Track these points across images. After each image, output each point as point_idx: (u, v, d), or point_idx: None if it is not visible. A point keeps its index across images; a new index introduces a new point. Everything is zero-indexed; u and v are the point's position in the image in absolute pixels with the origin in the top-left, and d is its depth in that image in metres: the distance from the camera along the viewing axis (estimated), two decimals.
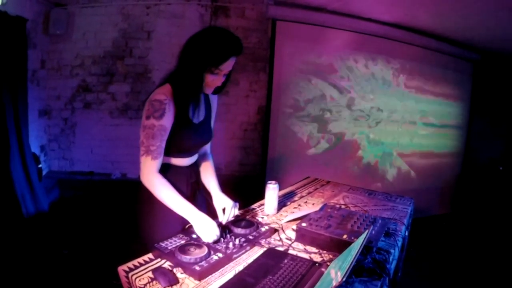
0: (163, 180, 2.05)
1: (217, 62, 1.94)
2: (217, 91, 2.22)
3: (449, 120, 6.66)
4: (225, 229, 2.06)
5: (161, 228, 2.17)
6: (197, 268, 1.68)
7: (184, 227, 2.08)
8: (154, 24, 5.84)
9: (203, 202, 2.45)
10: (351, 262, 1.37)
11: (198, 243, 1.87)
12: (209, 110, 2.34)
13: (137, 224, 2.26)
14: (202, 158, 2.47)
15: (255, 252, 1.94)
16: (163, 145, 2.04)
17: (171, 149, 2.13)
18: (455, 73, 6.53)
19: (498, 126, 7.05)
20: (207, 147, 2.52)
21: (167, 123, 2.01)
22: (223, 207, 2.19)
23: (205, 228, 1.94)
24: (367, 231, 1.63)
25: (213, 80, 2.02)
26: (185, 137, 2.13)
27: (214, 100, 2.40)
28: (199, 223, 1.96)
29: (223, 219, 2.13)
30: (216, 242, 1.94)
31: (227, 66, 1.99)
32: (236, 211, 2.19)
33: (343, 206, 2.66)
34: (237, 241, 1.94)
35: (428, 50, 6.08)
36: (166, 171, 2.13)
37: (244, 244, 1.96)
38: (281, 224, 2.36)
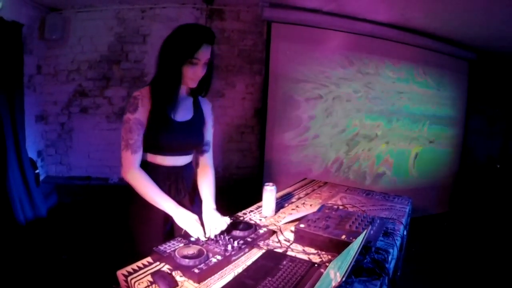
0: (143, 174, 2.10)
1: (191, 51, 2.01)
2: (203, 90, 2.30)
3: (445, 118, 6.67)
4: (223, 231, 2.07)
5: (144, 227, 2.22)
6: (196, 270, 1.68)
7: (182, 231, 2.09)
8: (150, 28, 5.85)
9: (197, 206, 2.43)
10: (350, 262, 1.38)
11: (197, 246, 1.88)
12: (199, 114, 2.35)
13: (128, 228, 2.29)
14: (202, 170, 2.47)
15: (254, 254, 1.95)
16: (141, 139, 2.10)
17: (150, 146, 2.16)
18: (451, 72, 6.55)
19: (494, 124, 7.08)
20: (207, 160, 2.51)
21: (141, 116, 2.08)
22: (209, 226, 2.06)
23: (186, 222, 1.99)
24: (365, 231, 1.64)
25: (194, 72, 2.08)
26: (162, 134, 2.15)
27: (206, 108, 2.43)
28: (179, 217, 2.02)
29: (207, 232, 2.02)
30: (207, 238, 1.98)
31: (203, 54, 2.04)
32: (225, 226, 2.06)
33: (341, 207, 2.67)
34: (235, 243, 1.94)
35: (424, 50, 6.10)
36: (145, 168, 2.16)
37: (243, 246, 1.96)
38: (279, 226, 2.36)
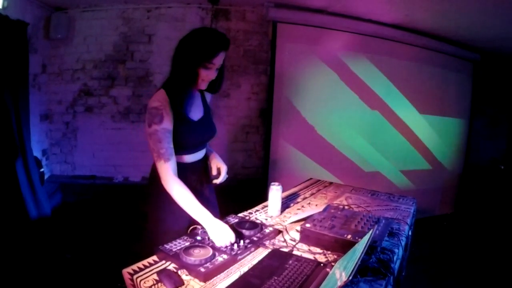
0: (180, 183, 2.10)
1: (209, 56, 2.10)
2: (215, 89, 2.38)
3: (449, 119, 6.65)
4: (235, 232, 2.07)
5: (170, 223, 2.26)
6: (202, 269, 1.69)
7: (188, 230, 2.09)
8: (155, 28, 5.84)
9: (213, 198, 2.60)
10: (356, 262, 1.37)
11: (203, 245, 1.88)
12: (208, 108, 2.47)
13: (143, 226, 2.32)
14: None
15: (260, 253, 1.95)
16: (171, 146, 2.14)
17: (176, 147, 2.19)
18: (455, 73, 6.52)
19: (498, 125, 7.06)
20: None
21: (168, 125, 2.12)
22: (218, 167, 2.56)
23: (219, 233, 1.96)
24: (371, 231, 1.63)
25: (207, 75, 2.17)
26: (185, 135, 2.23)
27: (209, 98, 2.55)
28: (213, 228, 1.98)
29: (219, 179, 2.51)
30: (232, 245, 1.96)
31: (218, 60, 2.14)
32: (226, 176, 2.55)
33: (346, 207, 2.67)
34: (241, 243, 1.95)
35: (428, 50, 6.08)
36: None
37: (249, 246, 1.97)
38: (285, 225, 2.37)
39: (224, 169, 2.54)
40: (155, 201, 2.26)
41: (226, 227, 2.00)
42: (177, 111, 2.16)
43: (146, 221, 2.34)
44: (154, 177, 2.18)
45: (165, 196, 2.11)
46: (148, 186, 2.35)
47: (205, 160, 2.55)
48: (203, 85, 2.22)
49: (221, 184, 2.54)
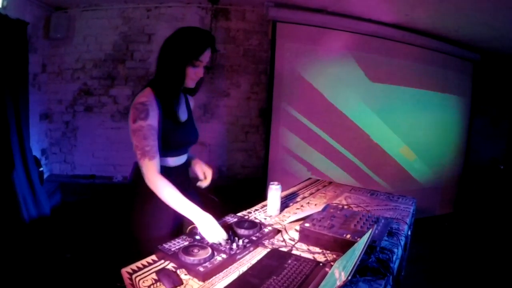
0: (165, 181, 2.07)
1: (197, 54, 2.12)
2: (196, 89, 2.39)
3: (449, 119, 6.65)
4: (228, 230, 2.06)
5: (154, 227, 2.23)
6: (201, 269, 1.68)
7: (187, 229, 2.09)
8: (155, 27, 5.85)
9: (197, 201, 2.49)
10: (356, 262, 1.37)
11: (202, 245, 1.88)
12: (191, 111, 2.46)
13: (129, 226, 2.29)
14: None
15: (259, 253, 1.95)
16: (156, 143, 2.10)
17: (162, 148, 2.17)
18: (455, 73, 6.52)
19: (499, 125, 7.05)
20: None
21: (154, 122, 2.09)
22: (204, 171, 2.57)
23: (210, 229, 1.95)
24: (370, 230, 1.63)
25: (195, 73, 2.18)
26: (173, 134, 2.21)
27: (192, 105, 2.53)
28: (204, 223, 1.97)
29: (205, 183, 2.55)
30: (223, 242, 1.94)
31: (206, 57, 2.17)
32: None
33: (345, 207, 2.66)
34: (240, 242, 1.94)
35: (428, 50, 6.07)
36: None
37: (248, 245, 1.96)
38: (284, 225, 2.36)
39: (210, 173, 2.56)
40: (140, 204, 2.22)
41: (215, 223, 1.99)
42: (166, 109, 2.14)
43: (130, 225, 2.30)
44: (138, 179, 2.12)
45: (150, 199, 2.09)
46: (131, 188, 2.30)
47: (187, 167, 2.50)
48: (191, 83, 2.23)
49: (208, 186, 2.57)
